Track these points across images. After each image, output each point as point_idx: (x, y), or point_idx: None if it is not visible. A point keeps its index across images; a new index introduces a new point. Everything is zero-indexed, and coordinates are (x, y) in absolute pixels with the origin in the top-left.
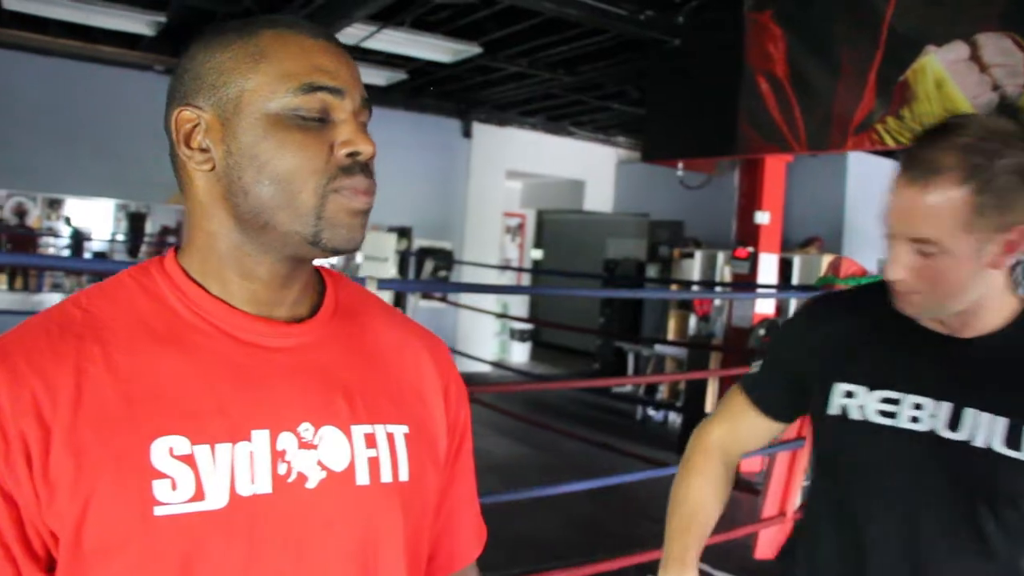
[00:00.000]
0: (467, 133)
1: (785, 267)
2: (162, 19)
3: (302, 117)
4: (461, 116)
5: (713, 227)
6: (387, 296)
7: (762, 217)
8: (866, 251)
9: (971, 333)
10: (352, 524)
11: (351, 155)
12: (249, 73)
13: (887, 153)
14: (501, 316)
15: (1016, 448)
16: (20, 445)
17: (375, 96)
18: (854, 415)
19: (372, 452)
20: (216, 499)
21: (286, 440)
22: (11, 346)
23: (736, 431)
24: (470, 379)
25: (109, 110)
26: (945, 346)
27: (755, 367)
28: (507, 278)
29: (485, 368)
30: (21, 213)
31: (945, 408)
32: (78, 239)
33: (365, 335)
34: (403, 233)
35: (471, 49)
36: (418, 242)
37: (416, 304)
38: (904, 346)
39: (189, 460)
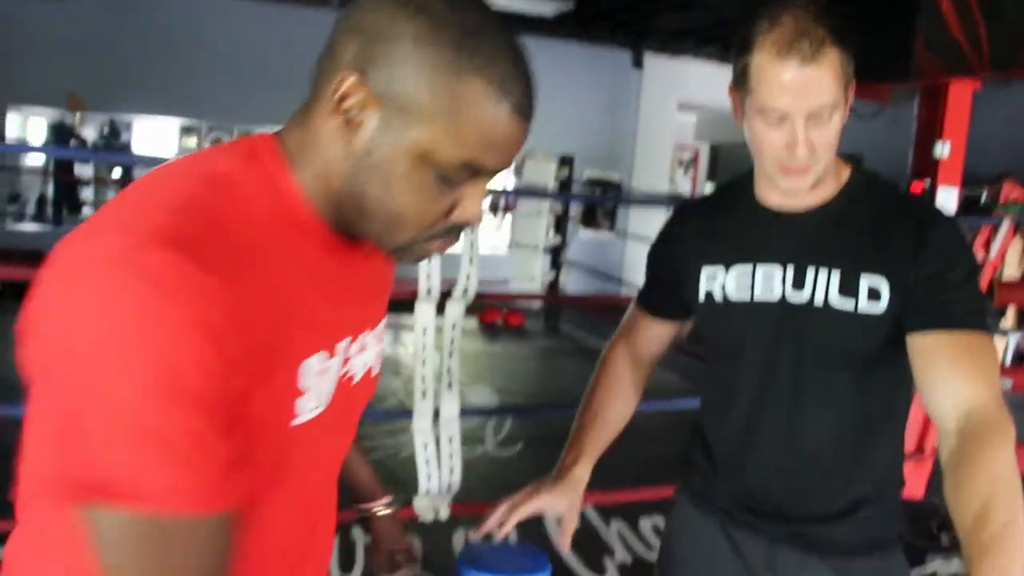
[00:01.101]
0: (638, 63)
1: (971, 204)
2: None
3: (446, 178)
4: (632, 47)
5: (893, 161)
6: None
7: (942, 149)
8: None
9: (812, 203)
10: (359, 411)
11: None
12: (434, 114)
13: None
14: None
15: (851, 295)
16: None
17: (542, 27)
18: (717, 296)
19: (378, 348)
20: (324, 403)
21: (355, 346)
22: (207, 249)
23: (636, 340)
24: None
25: (291, 47)
26: (788, 219)
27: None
28: None
29: None
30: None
31: (790, 271)
32: None
33: None
34: (565, 162)
35: None
36: (585, 172)
37: (577, 233)
38: (753, 225)
39: (322, 374)
